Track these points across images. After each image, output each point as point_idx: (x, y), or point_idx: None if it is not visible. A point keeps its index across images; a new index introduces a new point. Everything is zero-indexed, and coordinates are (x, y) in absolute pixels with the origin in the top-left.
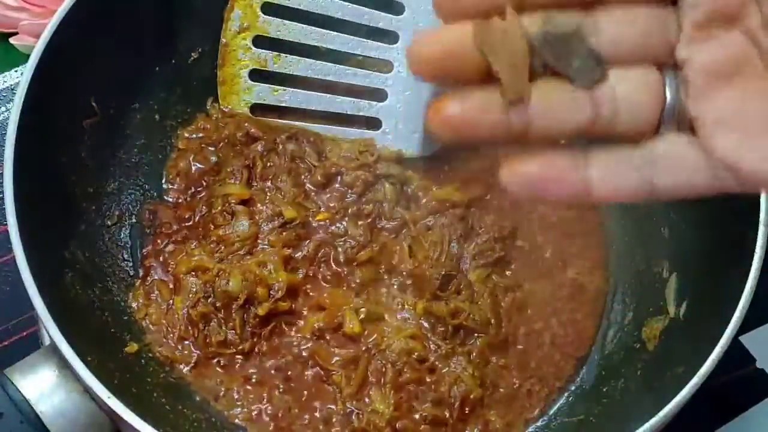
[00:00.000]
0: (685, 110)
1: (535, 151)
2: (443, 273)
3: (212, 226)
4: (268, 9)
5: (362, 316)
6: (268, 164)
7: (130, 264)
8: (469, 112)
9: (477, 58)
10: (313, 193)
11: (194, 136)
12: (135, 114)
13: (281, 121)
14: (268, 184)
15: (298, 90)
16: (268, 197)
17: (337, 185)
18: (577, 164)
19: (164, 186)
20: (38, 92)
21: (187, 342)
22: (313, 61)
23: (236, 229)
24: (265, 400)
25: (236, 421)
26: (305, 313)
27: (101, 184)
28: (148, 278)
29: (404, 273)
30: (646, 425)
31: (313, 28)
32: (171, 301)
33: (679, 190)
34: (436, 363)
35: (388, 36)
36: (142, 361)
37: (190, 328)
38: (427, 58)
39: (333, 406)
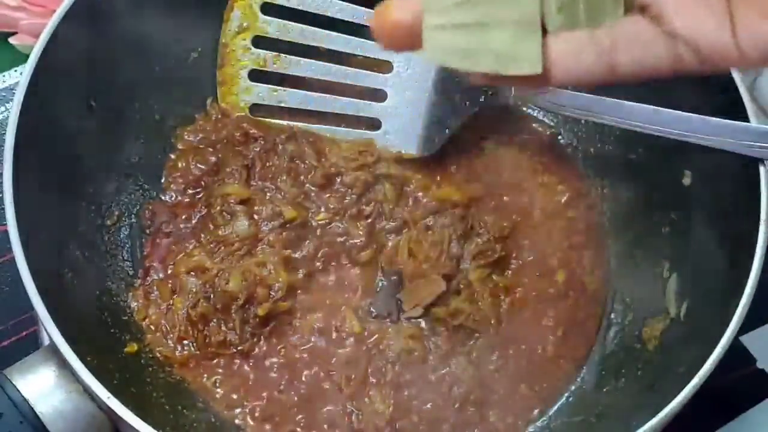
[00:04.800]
0: None
1: None
2: (443, 273)
3: (212, 226)
4: (268, 9)
5: (362, 315)
6: (268, 164)
7: (130, 264)
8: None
9: None
10: (313, 194)
11: (194, 136)
12: (135, 114)
13: (280, 121)
14: (268, 184)
15: (298, 90)
16: (268, 197)
17: (336, 185)
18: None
19: (164, 186)
20: (38, 92)
21: (186, 342)
22: (313, 61)
23: (236, 229)
24: (265, 400)
25: (236, 421)
26: (305, 313)
27: (101, 184)
28: (148, 278)
29: (404, 273)
30: (646, 425)
31: (313, 28)
32: (171, 301)
33: (640, 69)
34: (436, 363)
35: None
36: (142, 361)
37: (189, 328)
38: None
39: (333, 407)
